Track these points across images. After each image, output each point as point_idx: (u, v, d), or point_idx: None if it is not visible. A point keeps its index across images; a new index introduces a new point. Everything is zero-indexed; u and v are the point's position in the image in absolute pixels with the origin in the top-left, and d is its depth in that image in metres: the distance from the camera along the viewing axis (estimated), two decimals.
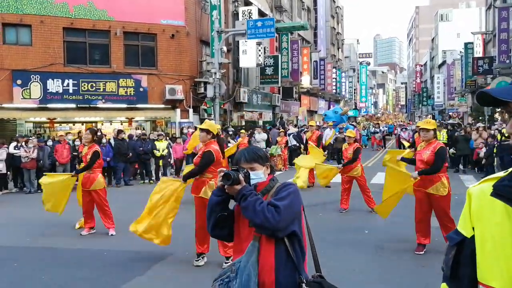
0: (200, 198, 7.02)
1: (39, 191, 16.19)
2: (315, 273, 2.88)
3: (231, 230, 2.97)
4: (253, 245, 2.75)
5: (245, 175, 2.81)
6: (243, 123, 29.46)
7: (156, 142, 18.23)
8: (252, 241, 2.76)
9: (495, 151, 16.30)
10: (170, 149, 18.67)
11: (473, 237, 1.68)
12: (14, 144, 16.19)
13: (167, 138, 19.67)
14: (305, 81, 41.59)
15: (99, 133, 9.82)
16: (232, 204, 2.92)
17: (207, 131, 7.08)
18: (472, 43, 42.67)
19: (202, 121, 24.19)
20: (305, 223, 2.90)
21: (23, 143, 16.20)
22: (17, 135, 17.60)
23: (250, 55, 27.17)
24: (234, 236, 2.97)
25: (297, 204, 2.79)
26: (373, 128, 39.00)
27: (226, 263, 6.91)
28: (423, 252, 7.54)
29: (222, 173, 2.77)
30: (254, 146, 3.05)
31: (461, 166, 19.60)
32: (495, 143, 16.53)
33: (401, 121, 49.11)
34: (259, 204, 2.65)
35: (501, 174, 1.67)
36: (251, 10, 28.04)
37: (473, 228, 1.68)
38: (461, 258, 1.73)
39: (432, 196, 7.42)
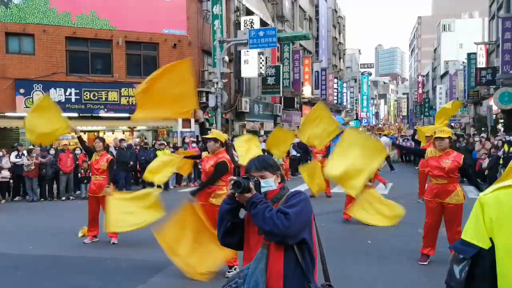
0: (208, 205, 6.99)
1: (42, 199, 16.29)
2: (324, 282, 2.86)
3: (241, 239, 2.97)
4: (262, 252, 2.74)
5: (256, 183, 2.81)
6: (245, 133, 29.44)
7: (158, 152, 18.22)
8: (261, 248, 2.75)
9: (501, 161, 16.20)
10: None
11: (491, 248, 1.60)
12: (15, 153, 16.22)
13: (168, 147, 19.67)
14: (307, 91, 41.62)
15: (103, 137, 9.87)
16: (242, 213, 2.91)
17: (215, 140, 7.07)
18: (475, 53, 42.60)
19: (202, 130, 24.20)
20: (316, 232, 2.88)
21: (24, 152, 16.23)
22: (15, 144, 17.60)
23: (252, 65, 27.23)
24: (244, 244, 2.96)
25: (308, 212, 2.78)
26: (378, 138, 38.90)
27: (229, 272, 6.88)
28: (426, 262, 7.48)
29: (232, 181, 2.77)
30: (265, 155, 3.03)
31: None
32: (500, 153, 16.45)
33: (404, 133, 49.03)
34: (269, 211, 2.65)
35: None
36: (252, 19, 28.13)
37: (490, 239, 1.61)
38: (478, 272, 1.64)
39: (448, 206, 7.27)
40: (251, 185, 2.76)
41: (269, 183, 2.89)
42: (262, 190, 2.84)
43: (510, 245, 1.55)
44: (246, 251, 2.94)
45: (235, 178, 2.80)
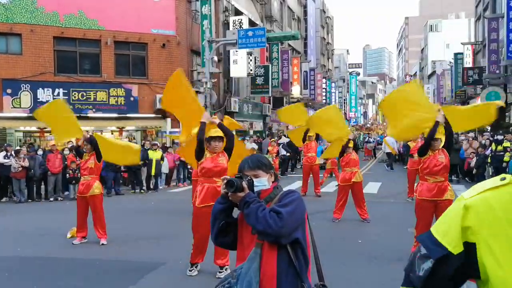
0: (203, 206, 6.92)
1: (29, 200, 16.15)
2: (318, 282, 2.85)
3: (234, 238, 2.95)
4: (255, 251, 2.72)
5: (249, 182, 2.79)
6: (234, 133, 29.42)
7: (149, 152, 18.15)
8: (254, 248, 2.74)
9: (489, 160, 16.31)
10: (165, 159, 18.69)
11: (462, 253, 1.55)
12: (3, 153, 16.06)
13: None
14: (296, 91, 41.66)
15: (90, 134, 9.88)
16: (236, 212, 2.90)
17: (222, 139, 7.03)
18: (461, 53, 42.88)
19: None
20: (309, 231, 2.87)
21: (13, 152, 16.08)
22: (5, 144, 17.43)
23: (241, 64, 27.20)
24: (237, 244, 2.95)
25: (301, 212, 2.76)
26: (367, 138, 39.19)
27: (220, 272, 6.86)
28: None
29: (225, 180, 2.76)
30: (258, 154, 3.03)
31: (453, 177, 19.56)
32: (488, 152, 16.56)
33: None
34: (261, 210, 2.63)
35: (498, 182, 1.55)
36: (241, 20, 28.08)
37: (464, 243, 1.55)
38: (441, 272, 1.60)
39: (443, 203, 7.38)
40: (244, 184, 2.75)
41: (263, 182, 2.87)
42: (255, 189, 2.82)
43: (506, 254, 1.49)
44: (239, 250, 2.93)
45: (228, 177, 2.79)
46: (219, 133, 6.96)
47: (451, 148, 7.48)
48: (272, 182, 2.96)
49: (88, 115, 21.45)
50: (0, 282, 7.01)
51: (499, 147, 15.96)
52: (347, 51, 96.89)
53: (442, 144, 7.48)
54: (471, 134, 22.04)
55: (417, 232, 7.63)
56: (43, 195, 16.77)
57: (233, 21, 28.04)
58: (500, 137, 17.22)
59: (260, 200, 2.75)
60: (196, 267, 7.11)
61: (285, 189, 2.94)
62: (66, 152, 16.78)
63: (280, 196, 2.84)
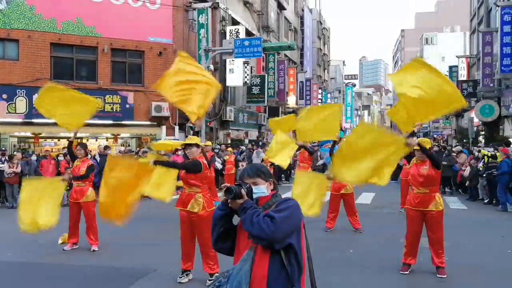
0: (186, 212, 6.96)
1: None
2: None
3: (233, 244, 3.05)
4: (248, 254, 2.82)
5: (248, 189, 2.90)
6: (229, 141, 29.48)
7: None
8: (248, 250, 2.83)
9: (481, 167, 16.38)
10: None
11: None
12: None
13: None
14: (291, 101, 41.79)
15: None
16: (236, 219, 2.97)
17: (197, 145, 7.08)
18: (456, 66, 43.11)
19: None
20: (305, 239, 2.95)
21: (7, 157, 16.05)
22: (3, 148, 17.38)
23: (237, 74, 27.28)
24: (235, 248, 3.04)
25: (296, 218, 2.85)
26: None
27: (210, 280, 6.86)
28: (407, 271, 7.54)
29: (225, 188, 2.86)
30: (258, 162, 3.13)
31: (447, 189, 19.58)
32: (481, 165, 16.62)
33: None
34: (256, 216, 2.73)
35: None
36: (238, 29, 28.18)
37: None
38: None
39: (429, 213, 7.37)
40: (243, 191, 2.86)
41: (261, 189, 2.98)
42: (254, 196, 2.93)
43: None
44: (235, 255, 3.02)
45: (227, 184, 2.90)
46: (191, 140, 7.18)
47: (438, 165, 7.39)
48: (272, 190, 3.06)
49: None
50: None
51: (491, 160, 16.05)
52: (343, 62, 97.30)
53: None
54: (458, 148, 21.95)
55: (406, 241, 7.66)
56: None
57: (230, 30, 28.15)
58: (489, 149, 17.31)
59: (257, 207, 2.84)
60: (186, 275, 7.10)
61: (284, 196, 3.01)
62: (60, 158, 16.75)
63: (277, 203, 2.92)
